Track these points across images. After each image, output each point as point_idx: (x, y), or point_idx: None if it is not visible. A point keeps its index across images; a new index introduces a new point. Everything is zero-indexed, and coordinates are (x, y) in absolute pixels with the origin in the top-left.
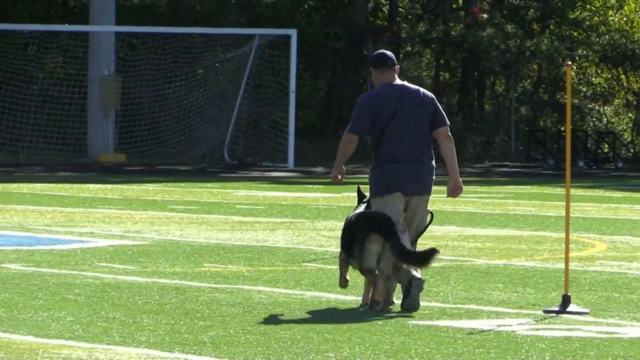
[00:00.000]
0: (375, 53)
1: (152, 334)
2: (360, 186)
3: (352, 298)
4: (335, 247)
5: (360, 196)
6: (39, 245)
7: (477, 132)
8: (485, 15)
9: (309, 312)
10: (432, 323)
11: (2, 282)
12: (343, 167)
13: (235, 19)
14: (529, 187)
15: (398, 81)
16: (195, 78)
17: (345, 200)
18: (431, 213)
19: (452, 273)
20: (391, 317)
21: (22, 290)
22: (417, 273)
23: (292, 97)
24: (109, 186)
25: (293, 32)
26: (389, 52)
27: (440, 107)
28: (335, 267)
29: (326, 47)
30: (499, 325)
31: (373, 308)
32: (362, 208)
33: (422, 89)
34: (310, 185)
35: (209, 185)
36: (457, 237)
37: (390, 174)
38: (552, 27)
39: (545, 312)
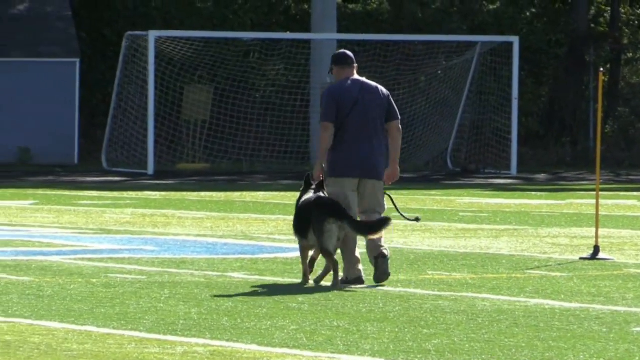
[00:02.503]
0: (337, 52)
1: (377, 342)
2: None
3: (576, 305)
4: (559, 255)
5: (307, 184)
6: (263, 254)
7: None
8: None
9: (532, 320)
10: None
11: (226, 290)
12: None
13: (457, 26)
14: None
15: (357, 77)
16: (418, 86)
17: (569, 207)
18: (388, 195)
19: None
20: (615, 324)
21: (246, 299)
22: (383, 248)
23: (515, 104)
24: None
25: (515, 40)
26: (349, 52)
27: (394, 103)
28: (559, 275)
29: (548, 54)
30: None
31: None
32: (311, 194)
33: (379, 86)
34: (533, 193)
35: (432, 192)
36: None
37: (348, 158)
38: None
39: None
